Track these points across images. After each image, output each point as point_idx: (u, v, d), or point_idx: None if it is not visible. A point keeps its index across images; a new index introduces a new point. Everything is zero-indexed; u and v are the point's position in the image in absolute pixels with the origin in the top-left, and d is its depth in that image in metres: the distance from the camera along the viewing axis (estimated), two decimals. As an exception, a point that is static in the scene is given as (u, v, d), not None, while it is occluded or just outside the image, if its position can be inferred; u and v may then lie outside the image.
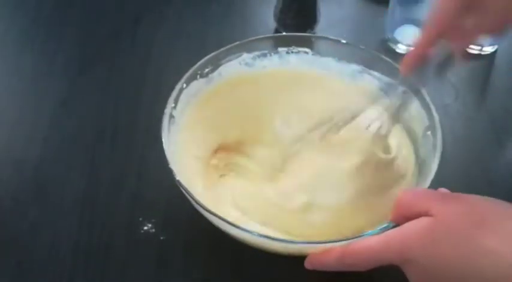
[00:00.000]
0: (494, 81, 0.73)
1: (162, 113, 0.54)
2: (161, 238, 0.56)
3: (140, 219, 0.57)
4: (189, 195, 0.49)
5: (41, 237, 0.56)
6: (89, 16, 0.78)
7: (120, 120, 0.66)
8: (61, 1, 0.79)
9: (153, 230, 0.57)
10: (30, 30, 0.76)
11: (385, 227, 0.48)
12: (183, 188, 0.49)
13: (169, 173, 0.50)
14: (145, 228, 0.57)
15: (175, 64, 0.71)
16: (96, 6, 0.79)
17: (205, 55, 0.60)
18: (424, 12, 0.71)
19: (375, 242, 0.45)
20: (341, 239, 0.48)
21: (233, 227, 0.48)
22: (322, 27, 0.75)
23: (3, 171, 0.61)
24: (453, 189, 0.53)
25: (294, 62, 0.63)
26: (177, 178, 0.50)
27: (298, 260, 0.54)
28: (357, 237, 0.48)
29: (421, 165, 0.55)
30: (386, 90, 0.60)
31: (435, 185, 0.50)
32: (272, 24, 0.75)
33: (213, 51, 0.60)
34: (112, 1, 0.80)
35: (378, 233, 0.48)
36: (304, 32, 0.73)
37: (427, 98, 0.56)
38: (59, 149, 0.63)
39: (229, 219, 0.48)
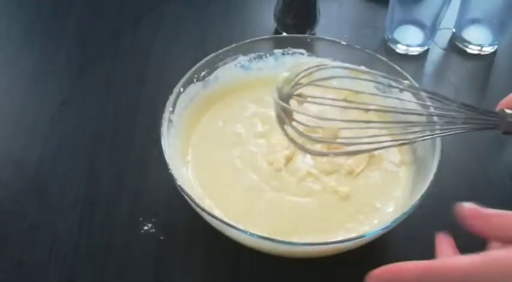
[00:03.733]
0: (493, 81, 0.73)
1: (161, 113, 0.55)
2: (161, 238, 0.56)
3: (140, 219, 0.57)
4: (191, 200, 0.49)
5: (41, 237, 0.56)
6: (89, 16, 0.78)
7: (120, 120, 0.66)
8: (61, 1, 0.80)
9: (153, 230, 0.57)
10: (30, 30, 0.76)
11: (386, 227, 0.48)
12: (184, 193, 0.50)
13: (169, 174, 0.50)
14: (146, 228, 0.57)
15: (175, 64, 0.71)
16: (96, 6, 0.79)
17: (205, 55, 0.60)
18: (424, 12, 0.71)
19: (470, 263, 0.37)
20: (344, 240, 0.48)
21: (234, 230, 0.48)
22: (321, 28, 0.75)
23: (4, 171, 0.61)
24: (452, 188, 0.53)
25: (290, 64, 0.63)
26: (178, 183, 0.50)
27: (297, 260, 0.54)
28: (359, 237, 0.48)
29: (420, 164, 0.56)
30: (382, 89, 0.60)
31: (435, 184, 0.50)
32: (272, 24, 0.75)
33: (213, 52, 0.60)
34: (112, 1, 0.80)
35: (379, 234, 0.49)
36: (304, 32, 0.73)
37: (425, 97, 0.56)
38: (59, 149, 0.63)
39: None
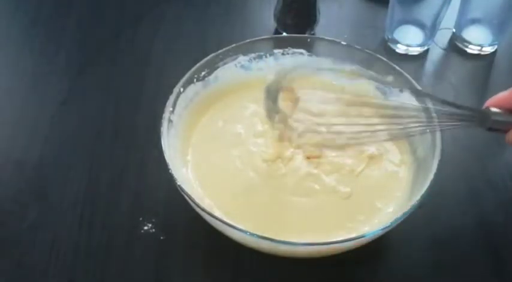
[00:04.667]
0: (493, 81, 0.73)
1: (161, 113, 0.55)
2: (161, 238, 0.56)
3: (140, 219, 0.57)
4: (191, 200, 0.49)
5: (41, 237, 0.56)
6: (89, 16, 0.78)
7: (120, 120, 0.66)
8: (61, 1, 0.79)
9: (153, 230, 0.57)
10: (30, 30, 0.76)
11: (386, 227, 0.48)
12: (184, 193, 0.50)
13: (169, 174, 0.50)
14: (145, 228, 0.57)
15: (175, 64, 0.71)
16: (97, 6, 0.79)
17: (205, 56, 0.60)
18: (424, 12, 0.71)
19: None
20: (344, 240, 0.48)
21: (234, 230, 0.48)
22: (322, 28, 0.75)
23: (4, 171, 0.61)
24: (452, 188, 0.53)
25: (289, 64, 0.63)
26: (178, 183, 0.50)
27: (297, 260, 0.54)
28: (359, 237, 0.48)
29: (420, 164, 0.55)
30: (382, 89, 0.61)
31: (435, 184, 0.50)
32: (272, 24, 0.75)
33: (212, 52, 0.60)
34: (112, 1, 0.80)
35: (379, 234, 0.49)
36: (304, 32, 0.73)
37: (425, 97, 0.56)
38: (59, 149, 0.63)
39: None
